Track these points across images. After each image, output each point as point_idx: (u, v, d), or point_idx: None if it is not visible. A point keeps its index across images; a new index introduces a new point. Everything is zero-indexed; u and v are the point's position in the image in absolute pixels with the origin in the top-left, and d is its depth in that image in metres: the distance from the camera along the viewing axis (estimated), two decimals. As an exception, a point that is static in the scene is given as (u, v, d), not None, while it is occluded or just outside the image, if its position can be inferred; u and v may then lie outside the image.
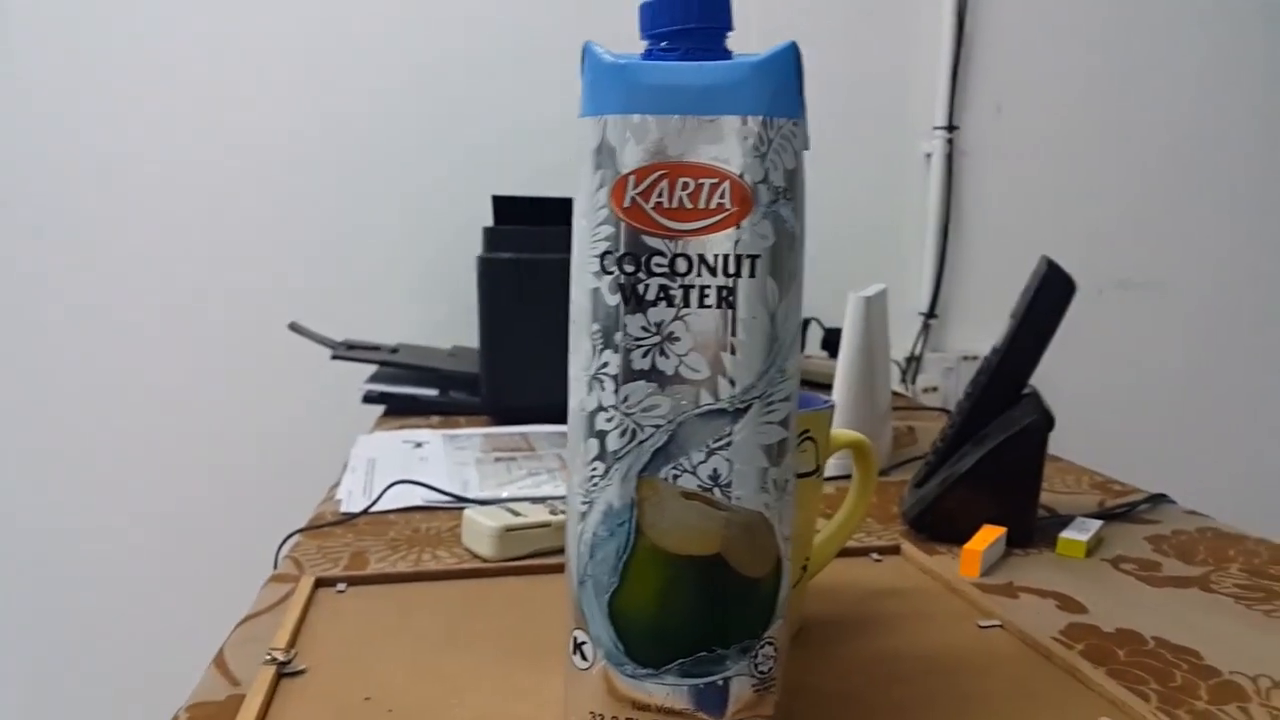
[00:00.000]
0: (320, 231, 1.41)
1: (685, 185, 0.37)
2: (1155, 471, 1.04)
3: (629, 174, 0.37)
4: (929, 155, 1.50)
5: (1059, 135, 1.53)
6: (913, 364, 1.54)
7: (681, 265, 0.37)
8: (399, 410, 1.19)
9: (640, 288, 0.37)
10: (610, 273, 0.37)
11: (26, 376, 1.38)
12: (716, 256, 0.37)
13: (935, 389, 1.54)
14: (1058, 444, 0.76)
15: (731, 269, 0.37)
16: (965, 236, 1.53)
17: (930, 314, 1.53)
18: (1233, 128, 1.58)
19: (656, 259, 0.37)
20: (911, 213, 1.53)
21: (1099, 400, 1.56)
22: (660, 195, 0.37)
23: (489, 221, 1.22)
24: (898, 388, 1.53)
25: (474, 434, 1.04)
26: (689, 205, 0.37)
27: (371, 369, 1.27)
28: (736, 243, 0.37)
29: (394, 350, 1.27)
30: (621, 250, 0.37)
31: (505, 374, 1.10)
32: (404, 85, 1.40)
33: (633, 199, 0.37)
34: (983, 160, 1.52)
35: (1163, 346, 1.60)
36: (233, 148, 1.38)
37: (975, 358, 1.53)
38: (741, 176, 0.36)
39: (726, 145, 0.36)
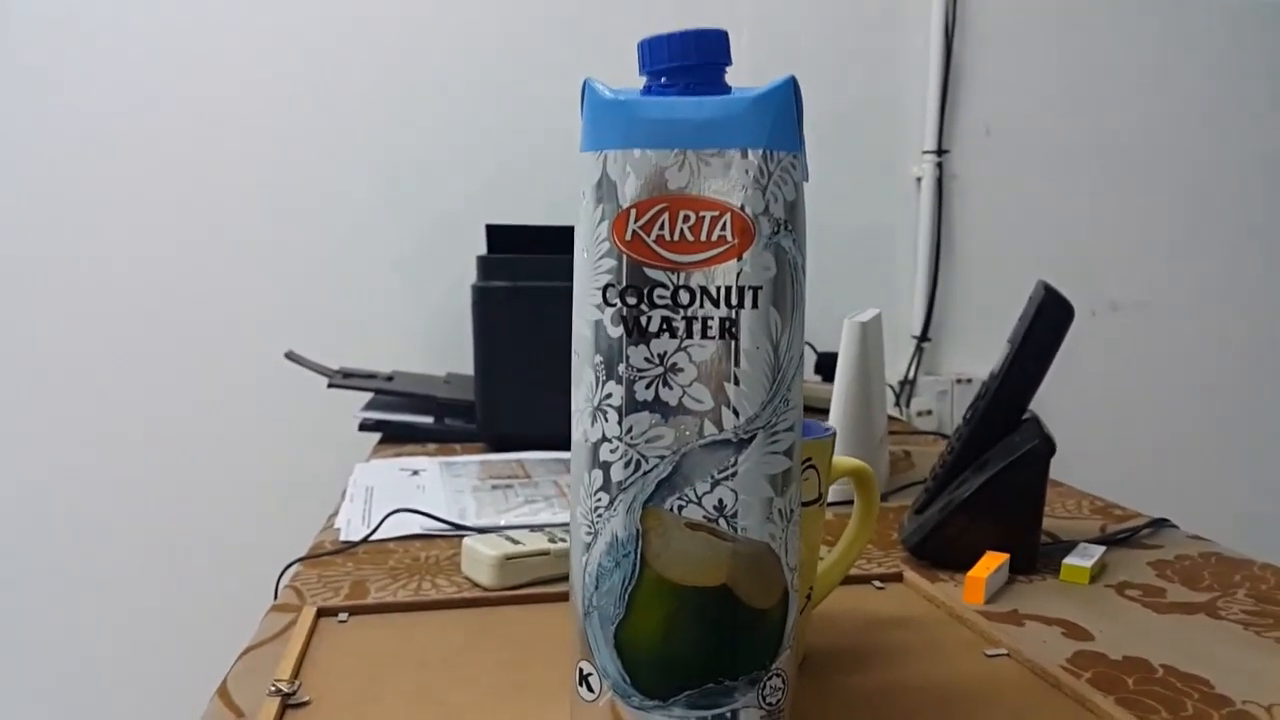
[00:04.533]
0: (316, 261, 1.41)
1: (687, 218, 0.37)
2: (1154, 495, 1.04)
3: (630, 207, 0.37)
4: (919, 179, 1.51)
5: (1049, 157, 1.54)
6: (906, 387, 1.54)
7: (684, 297, 0.37)
8: (395, 438, 1.19)
9: (643, 319, 0.37)
10: (613, 305, 0.38)
11: (23, 407, 1.38)
12: (719, 288, 0.37)
13: (929, 412, 1.54)
14: (1055, 468, 0.76)
15: (734, 300, 0.37)
16: (957, 259, 1.54)
17: (923, 337, 1.54)
18: (1223, 148, 1.59)
19: (659, 291, 0.37)
20: (903, 236, 1.53)
21: (1094, 423, 1.56)
22: (662, 228, 0.37)
23: (483, 250, 1.23)
24: (892, 412, 1.53)
25: (470, 461, 1.04)
26: (690, 238, 0.37)
27: (367, 397, 1.27)
28: (739, 274, 0.37)
29: (389, 378, 1.26)
30: (624, 283, 0.37)
31: (500, 401, 1.10)
32: (399, 114, 1.40)
33: (634, 232, 0.37)
34: (973, 183, 1.52)
35: (1157, 368, 1.61)
36: (229, 177, 1.38)
37: (969, 380, 1.53)
38: (743, 209, 0.36)
39: (727, 179, 0.36)
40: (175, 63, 1.35)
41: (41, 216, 1.35)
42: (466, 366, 1.26)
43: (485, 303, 1.08)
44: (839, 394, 0.87)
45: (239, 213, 1.39)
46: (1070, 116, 1.54)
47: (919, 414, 1.53)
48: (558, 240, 1.13)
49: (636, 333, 0.37)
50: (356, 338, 1.42)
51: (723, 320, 0.37)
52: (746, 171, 0.36)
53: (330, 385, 1.18)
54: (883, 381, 0.94)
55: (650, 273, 0.37)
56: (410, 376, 1.33)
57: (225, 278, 1.39)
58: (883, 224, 1.52)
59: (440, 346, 1.43)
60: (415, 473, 0.99)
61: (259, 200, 1.39)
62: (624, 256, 0.37)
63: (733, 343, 0.37)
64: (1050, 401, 0.74)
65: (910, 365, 1.54)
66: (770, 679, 0.39)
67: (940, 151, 1.49)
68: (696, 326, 0.37)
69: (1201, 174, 1.59)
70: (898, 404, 1.54)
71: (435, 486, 0.92)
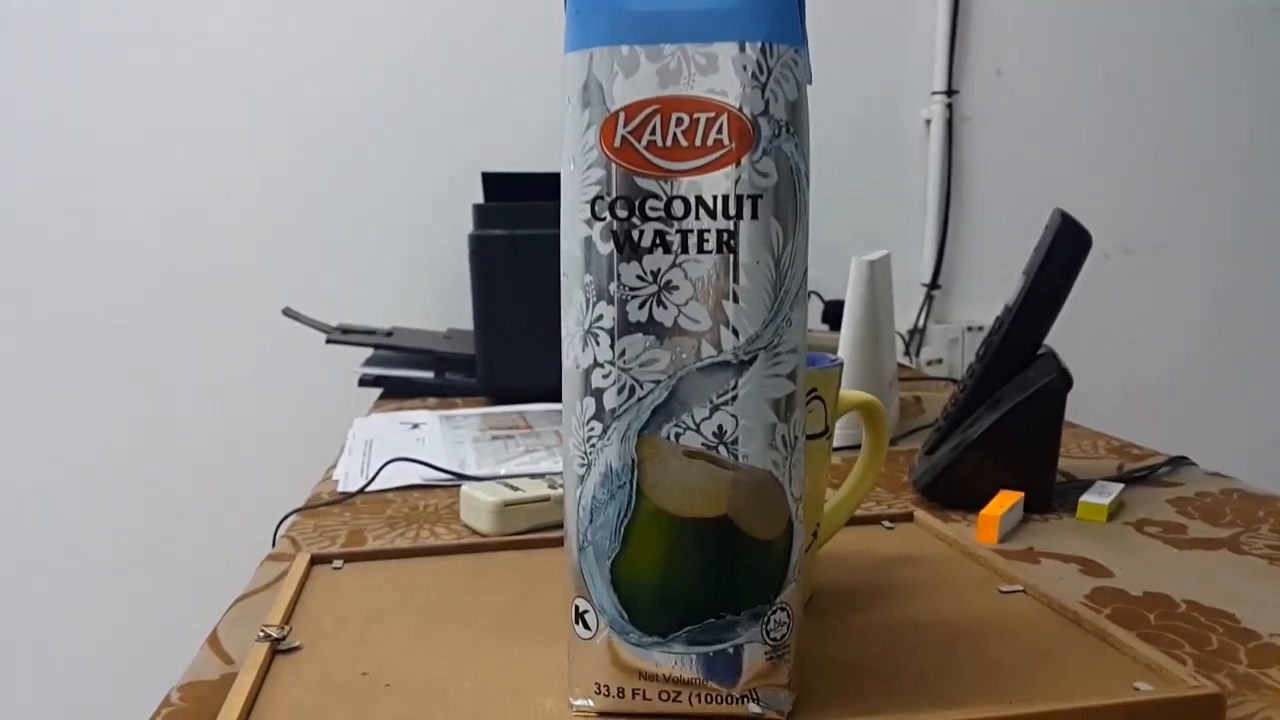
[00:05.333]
0: (312, 216, 1.39)
1: (680, 121, 0.34)
2: (1169, 438, 1.02)
3: (618, 111, 0.34)
4: (928, 121, 1.47)
5: (1062, 98, 1.50)
6: (916, 336, 1.51)
7: (678, 208, 0.34)
8: (395, 393, 1.17)
9: (634, 234, 0.35)
10: (602, 219, 0.35)
11: (24, 360, 1.36)
12: (715, 198, 0.34)
13: (940, 361, 1.51)
14: (1069, 411, 0.74)
15: (732, 210, 0.34)
16: (967, 204, 1.50)
17: (933, 284, 1.50)
18: (1237, 88, 1.54)
19: (651, 202, 0.35)
20: (912, 181, 1.50)
21: (1108, 369, 1.53)
22: (653, 133, 0.34)
23: (479, 199, 1.20)
24: (901, 360, 1.50)
25: (471, 414, 1.02)
26: (684, 143, 0.34)
27: (367, 353, 1.25)
28: (736, 182, 0.34)
29: (388, 334, 1.24)
30: (613, 194, 0.35)
31: (500, 352, 1.08)
32: (389, 67, 1.37)
33: (623, 138, 0.34)
34: (984, 125, 1.48)
35: (1170, 312, 1.58)
36: (223, 135, 1.35)
37: (980, 328, 1.50)
38: (740, 109, 0.34)
39: (723, 75, 0.34)
40: (162, 25, 1.32)
41: (38, 176, 1.33)
42: (467, 322, 1.25)
43: (482, 251, 1.05)
44: (847, 335, 0.84)
45: (235, 170, 1.36)
46: (1083, 56, 1.50)
47: (929, 363, 1.50)
48: (555, 186, 1.11)
49: (628, 248, 0.35)
50: (356, 294, 1.40)
51: (720, 233, 0.34)
52: (744, 67, 0.33)
53: (329, 341, 1.16)
54: (892, 324, 0.91)
55: (641, 182, 0.34)
56: (410, 332, 1.31)
57: (222, 235, 1.37)
58: (891, 168, 1.49)
59: (441, 303, 1.40)
60: (415, 426, 0.97)
61: (255, 159, 1.36)
62: (613, 165, 0.35)
63: (731, 257, 0.35)
64: (1063, 347, 0.72)
65: (920, 313, 1.51)
66: (775, 613, 0.37)
67: (950, 92, 1.45)
68: (692, 240, 0.35)
69: (1215, 116, 1.54)
70: (907, 353, 1.51)
71: (435, 438, 0.91)
